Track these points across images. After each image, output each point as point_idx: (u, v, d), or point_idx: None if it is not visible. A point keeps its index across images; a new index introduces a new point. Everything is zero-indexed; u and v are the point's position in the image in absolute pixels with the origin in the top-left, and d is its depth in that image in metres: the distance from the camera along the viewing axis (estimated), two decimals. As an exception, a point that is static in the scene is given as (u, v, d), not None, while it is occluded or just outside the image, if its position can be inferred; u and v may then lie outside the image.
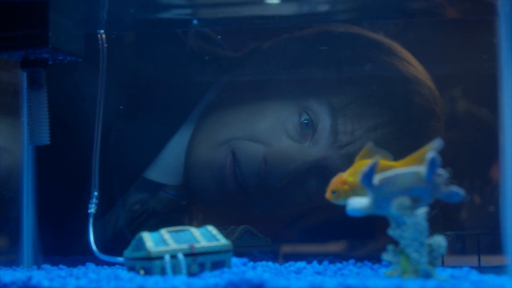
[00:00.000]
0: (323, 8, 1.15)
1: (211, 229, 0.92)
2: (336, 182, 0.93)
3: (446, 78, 1.34)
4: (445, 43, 1.33)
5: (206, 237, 0.90)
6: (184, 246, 0.87)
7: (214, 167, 1.24)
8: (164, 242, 0.87)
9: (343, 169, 1.15)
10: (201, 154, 1.26)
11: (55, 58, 1.00)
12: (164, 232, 0.89)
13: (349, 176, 0.92)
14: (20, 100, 1.10)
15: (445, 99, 1.37)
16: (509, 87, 0.84)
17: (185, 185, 1.31)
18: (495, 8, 0.86)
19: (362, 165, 0.93)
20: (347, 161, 1.18)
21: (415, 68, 1.25)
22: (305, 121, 1.21)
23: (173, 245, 0.86)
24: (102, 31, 1.10)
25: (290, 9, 1.14)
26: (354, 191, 0.92)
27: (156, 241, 0.87)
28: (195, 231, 0.91)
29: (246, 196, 1.24)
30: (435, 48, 1.34)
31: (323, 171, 1.21)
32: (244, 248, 1.20)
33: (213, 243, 0.89)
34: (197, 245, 0.88)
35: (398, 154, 1.19)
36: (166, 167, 1.32)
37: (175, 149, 1.31)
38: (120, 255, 0.93)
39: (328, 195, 0.93)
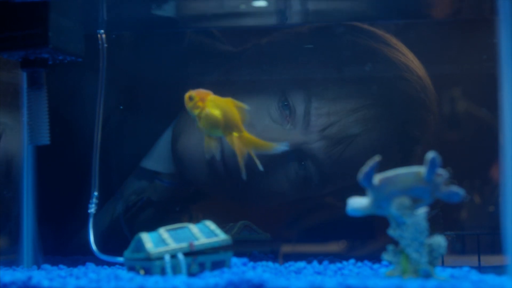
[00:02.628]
0: (324, 8, 1.15)
1: (209, 224, 0.92)
2: (201, 93, 0.97)
3: (446, 78, 1.34)
4: (445, 43, 1.33)
5: (205, 233, 0.90)
6: (184, 244, 0.87)
7: (199, 150, 1.25)
8: (163, 242, 0.87)
9: (325, 155, 1.16)
10: (186, 136, 1.27)
11: (55, 58, 1.00)
12: (163, 231, 0.89)
13: (212, 100, 0.97)
14: (20, 100, 1.10)
15: (445, 99, 1.36)
16: (509, 87, 0.84)
17: (176, 169, 1.32)
18: (495, 8, 0.86)
19: (228, 102, 0.98)
20: (327, 144, 1.19)
21: (406, 57, 1.25)
22: (285, 103, 1.22)
23: (172, 245, 0.86)
24: (102, 31, 1.10)
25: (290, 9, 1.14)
26: (204, 115, 0.97)
27: (155, 241, 0.87)
28: (193, 228, 0.90)
29: (231, 179, 1.25)
30: (435, 48, 1.34)
31: (305, 157, 1.22)
32: (243, 243, 1.20)
33: (213, 239, 0.89)
34: (196, 243, 0.88)
35: (381, 138, 1.20)
36: (161, 155, 1.33)
37: (169, 138, 1.32)
38: (118, 248, 0.93)
39: (186, 96, 0.97)
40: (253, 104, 1.24)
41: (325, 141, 1.20)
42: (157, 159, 1.34)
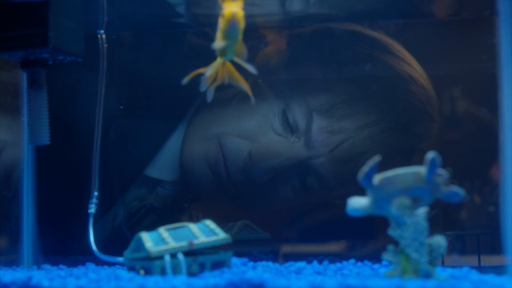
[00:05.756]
0: (324, 7, 1.15)
1: (209, 223, 0.92)
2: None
3: (446, 78, 1.34)
4: (445, 43, 1.33)
5: (205, 232, 0.90)
6: (183, 243, 0.87)
7: (206, 162, 1.25)
8: (163, 241, 0.87)
9: (334, 171, 1.16)
10: (193, 149, 1.28)
11: (55, 58, 1.00)
12: (163, 231, 0.89)
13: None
14: (20, 100, 1.10)
15: (445, 99, 1.36)
16: (509, 87, 0.84)
17: (182, 180, 1.32)
18: (495, 8, 0.86)
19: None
20: (336, 163, 1.19)
21: (410, 66, 1.25)
22: (289, 118, 1.22)
23: (172, 244, 0.87)
24: (102, 31, 1.10)
25: (290, 8, 1.14)
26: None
27: (155, 240, 0.87)
28: (193, 227, 0.90)
29: (237, 191, 1.25)
30: (435, 48, 1.34)
31: (312, 172, 1.22)
32: (243, 243, 1.20)
33: (212, 238, 0.89)
34: (196, 242, 0.88)
35: (389, 152, 1.20)
36: (163, 163, 1.33)
37: (172, 146, 1.32)
38: (119, 252, 0.93)
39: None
40: (255, 114, 1.25)
41: (333, 160, 1.20)
42: (160, 167, 1.34)
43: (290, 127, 1.22)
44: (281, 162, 1.21)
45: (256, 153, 1.22)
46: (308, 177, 1.23)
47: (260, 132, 1.23)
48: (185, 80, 0.90)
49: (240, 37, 0.89)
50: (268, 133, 1.23)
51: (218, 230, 0.91)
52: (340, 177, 1.21)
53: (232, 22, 0.88)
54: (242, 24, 0.88)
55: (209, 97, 0.91)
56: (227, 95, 1.26)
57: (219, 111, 1.27)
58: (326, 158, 1.20)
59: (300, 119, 1.21)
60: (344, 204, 0.83)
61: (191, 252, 0.88)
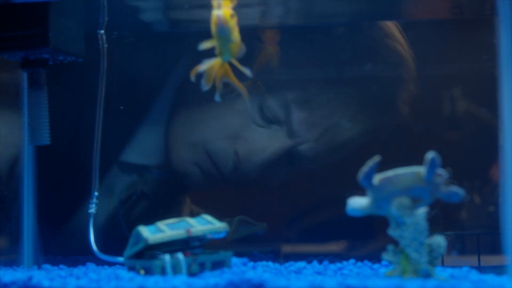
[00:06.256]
0: (324, 8, 1.16)
1: (206, 216, 0.93)
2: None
3: (446, 78, 1.34)
4: (445, 43, 1.33)
5: (202, 223, 0.91)
6: (181, 231, 0.88)
7: (196, 165, 1.27)
8: (160, 231, 0.88)
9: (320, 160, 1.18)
10: (181, 154, 1.29)
11: (56, 58, 1.00)
12: (161, 224, 0.90)
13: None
14: (21, 101, 1.10)
15: (445, 99, 1.36)
16: (509, 87, 0.84)
17: (172, 172, 1.33)
18: (495, 8, 0.87)
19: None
20: (323, 152, 1.21)
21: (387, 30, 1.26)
22: (266, 111, 1.23)
23: (169, 232, 0.87)
24: (102, 31, 1.10)
25: (289, 8, 1.14)
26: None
27: (152, 231, 0.88)
28: (190, 220, 0.92)
29: (231, 185, 1.28)
30: (435, 48, 1.34)
31: (298, 160, 1.23)
32: (243, 240, 1.21)
33: (209, 226, 0.90)
34: (193, 229, 0.89)
35: (376, 118, 1.21)
36: (145, 149, 1.34)
37: (151, 131, 1.32)
38: (120, 252, 0.94)
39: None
40: (235, 111, 1.26)
41: (322, 149, 1.21)
42: (142, 152, 1.34)
43: (269, 119, 1.23)
44: (268, 157, 1.23)
45: (243, 150, 1.24)
46: (298, 160, 1.24)
47: (243, 128, 1.24)
48: (192, 76, 0.91)
49: (235, 37, 0.90)
50: (250, 127, 1.24)
51: (214, 221, 0.92)
52: (329, 158, 1.23)
53: (219, 23, 0.89)
54: (231, 24, 0.89)
55: (217, 98, 0.93)
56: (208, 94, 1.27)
57: (200, 112, 1.28)
58: (312, 143, 1.22)
59: (279, 110, 1.22)
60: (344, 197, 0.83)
61: (191, 252, 0.88)
